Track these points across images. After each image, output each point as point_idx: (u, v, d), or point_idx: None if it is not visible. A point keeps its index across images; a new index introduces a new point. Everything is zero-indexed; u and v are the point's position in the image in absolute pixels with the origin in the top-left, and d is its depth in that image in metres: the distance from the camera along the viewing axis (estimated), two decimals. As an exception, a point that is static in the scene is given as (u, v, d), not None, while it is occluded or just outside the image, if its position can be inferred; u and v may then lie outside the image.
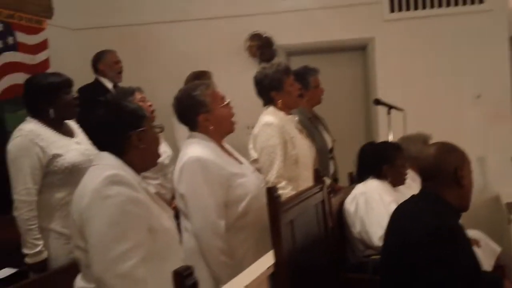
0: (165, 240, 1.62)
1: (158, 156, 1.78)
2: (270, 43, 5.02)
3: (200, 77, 4.04)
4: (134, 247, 1.49)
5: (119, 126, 1.64)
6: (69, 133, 2.50)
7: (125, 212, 1.50)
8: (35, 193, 2.38)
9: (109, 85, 4.13)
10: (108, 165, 1.60)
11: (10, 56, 4.13)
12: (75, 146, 2.44)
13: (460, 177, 1.86)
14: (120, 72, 4.22)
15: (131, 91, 3.18)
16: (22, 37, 4.25)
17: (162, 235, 1.61)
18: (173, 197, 3.38)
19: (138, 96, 3.20)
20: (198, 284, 1.26)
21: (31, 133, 2.38)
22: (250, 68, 5.03)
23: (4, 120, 3.81)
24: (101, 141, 1.69)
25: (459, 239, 1.77)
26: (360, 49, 5.12)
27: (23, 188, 2.35)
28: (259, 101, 4.81)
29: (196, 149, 2.15)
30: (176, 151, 3.68)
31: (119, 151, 1.64)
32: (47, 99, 2.42)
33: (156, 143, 1.76)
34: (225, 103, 2.25)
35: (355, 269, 2.67)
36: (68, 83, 2.50)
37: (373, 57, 4.95)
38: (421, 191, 1.96)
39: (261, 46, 5.03)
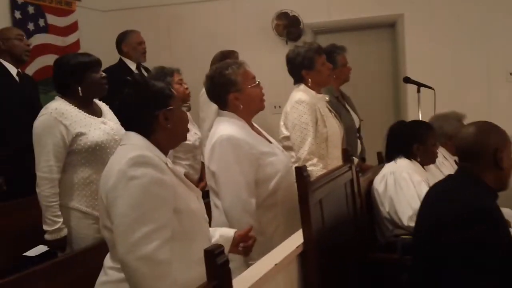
0: (192, 221, 1.61)
1: (185, 135, 1.77)
2: (297, 21, 4.97)
3: (227, 56, 4.03)
4: (157, 228, 1.47)
5: (146, 105, 1.62)
6: (96, 113, 2.52)
7: (149, 194, 1.49)
8: (57, 171, 2.40)
9: (132, 66, 4.14)
10: (134, 145, 1.59)
11: (42, 38, 4.21)
12: (100, 126, 2.46)
13: (499, 159, 1.80)
14: (144, 53, 4.23)
15: (170, 72, 3.22)
16: (52, 19, 4.32)
17: (188, 216, 1.59)
18: (200, 178, 3.44)
19: (176, 77, 3.24)
20: (229, 262, 1.27)
21: (56, 111, 2.41)
22: (277, 48, 5.02)
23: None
24: (128, 121, 1.68)
25: (496, 220, 1.72)
26: (388, 26, 5.02)
27: (46, 165, 2.38)
28: (285, 81, 4.78)
29: (227, 127, 2.16)
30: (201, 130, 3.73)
31: (146, 130, 1.63)
32: (76, 77, 2.44)
33: (184, 123, 1.73)
34: (256, 83, 2.25)
35: (383, 249, 2.65)
36: (96, 62, 2.53)
37: (402, 34, 4.85)
38: (459, 171, 1.91)
39: (288, 25, 4.98)
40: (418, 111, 3.86)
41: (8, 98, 3.25)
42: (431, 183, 2.48)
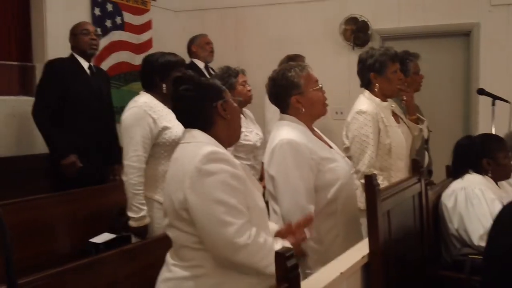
0: (259, 218, 1.60)
1: (240, 131, 1.76)
2: (366, 27, 4.88)
3: (293, 60, 4.02)
4: (248, 220, 1.50)
5: (205, 97, 1.64)
6: None
7: (230, 188, 1.49)
8: (144, 161, 2.53)
9: (200, 65, 4.30)
10: (202, 142, 1.58)
11: (118, 35, 4.39)
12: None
13: None
14: (211, 52, 4.42)
15: (235, 73, 3.25)
16: (129, 18, 4.50)
17: (256, 214, 1.58)
18: (260, 179, 3.44)
19: (240, 79, 3.26)
20: (298, 266, 1.26)
21: (145, 104, 2.55)
22: (343, 53, 4.97)
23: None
24: (188, 115, 1.67)
25: None
26: (463, 35, 4.83)
27: (134, 155, 2.50)
28: (349, 86, 4.73)
29: (288, 131, 2.11)
30: (265, 131, 3.74)
31: (206, 124, 1.63)
32: (162, 75, 2.59)
33: (238, 115, 1.74)
34: (318, 86, 2.19)
35: (449, 267, 2.54)
36: (181, 62, 2.70)
37: (477, 44, 4.65)
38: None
39: (356, 30, 4.91)
40: (492, 125, 3.68)
41: (80, 91, 3.42)
42: (505, 201, 2.35)
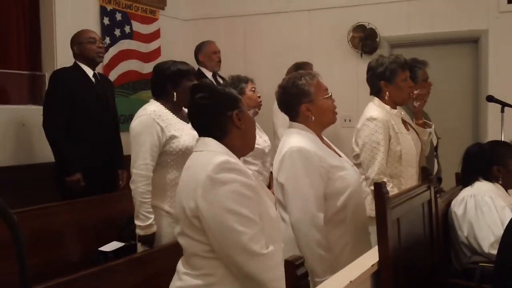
0: (271, 228, 1.59)
1: (254, 141, 1.75)
2: (374, 34, 4.89)
3: (301, 68, 4.03)
4: (260, 230, 1.49)
5: (220, 106, 1.63)
6: (185, 119, 2.60)
7: (242, 197, 1.49)
8: (152, 169, 2.53)
9: (208, 74, 4.30)
10: (215, 151, 1.58)
11: (126, 44, 4.43)
12: (190, 131, 2.52)
13: None
14: (218, 61, 4.39)
15: (246, 80, 3.31)
16: (137, 27, 4.53)
17: (268, 224, 1.57)
18: (268, 186, 3.44)
19: (250, 85, 3.32)
20: (308, 274, 1.25)
21: (154, 113, 2.55)
22: (351, 60, 4.98)
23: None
24: (203, 124, 1.67)
25: None
26: (471, 42, 4.82)
27: (143, 163, 2.50)
28: (357, 94, 4.74)
29: (298, 139, 2.11)
30: (273, 138, 3.74)
31: (221, 133, 1.62)
32: (173, 83, 2.60)
33: (253, 125, 1.73)
34: (328, 95, 2.20)
35: (459, 275, 2.52)
36: (192, 71, 2.70)
37: (486, 50, 4.64)
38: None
39: (364, 38, 4.91)
40: (501, 132, 3.66)
41: (86, 99, 3.40)
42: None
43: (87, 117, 3.38)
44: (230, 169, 1.51)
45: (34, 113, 3.66)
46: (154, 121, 2.53)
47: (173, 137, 2.53)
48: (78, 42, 3.46)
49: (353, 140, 2.77)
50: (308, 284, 1.25)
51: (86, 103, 3.39)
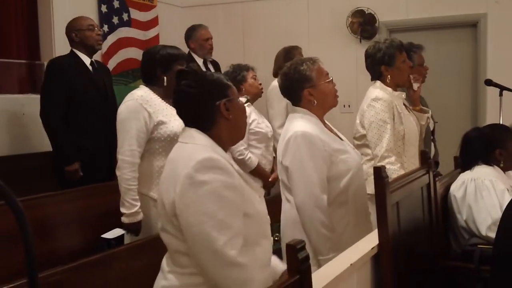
0: (258, 225, 1.53)
1: (245, 130, 1.70)
2: (373, 19, 4.87)
3: (290, 52, 4.08)
4: (237, 234, 1.41)
5: (207, 95, 1.54)
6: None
7: (222, 199, 1.41)
8: (139, 156, 2.47)
9: (199, 61, 4.20)
10: (199, 145, 1.50)
11: (125, 32, 4.41)
12: (178, 117, 2.52)
13: None
14: (210, 49, 4.24)
15: (247, 68, 3.35)
16: (135, 14, 4.51)
17: (256, 220, 1.51)
18: (272, 170, 3.48)
19: (251, 73, 3.37)
20: (309, 258, 1.27)
21: (141, 98, 2.49)
22: (350, 45, 4.96)
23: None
24: (188, 113, 1.58)
25: None
26: (470, 26, 4.80)
27: (128, 149, 2.45)
28: (356, 79, 4.74)
29: (302, 123, 2.17)
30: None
31: (207, 123, 1.54)
32: (163, 67, 2.53)
33: (244, 114, 1.64)
34: (329, 79, 2.25)
35: (458, 258, 2.55)
36: (183, 56, 2.63)
37: (484, 34, 4.63)
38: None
39: (363, 23, 4.89)
40: (500, 115, 3.67)
41: (85, 87, 3.37)
42: (514, 192, 2.35)
43: (85, 105, 3.35)
44: (211, 167, 1.43)
45: (34, 102, 3.66)
46: (142, 106, 2.46)
47: (161, 122, 2.47)
48: (77, 29, 3.40)
49: (357, 121, 2.82)
50: (309, 267, 1.26)
51: (84, 92, 3.35)
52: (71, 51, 3.43)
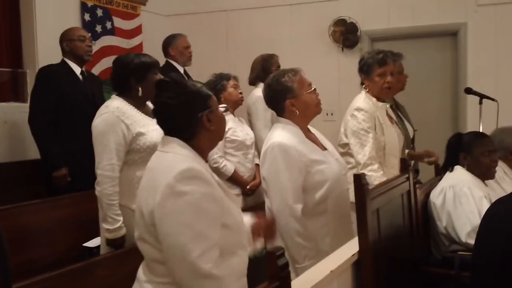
0: (236, 235, 1.54)
1: (223, 136, 1.73)
2: (355, 28, 4.93)
3: (267, 60, 4.13)
4: (212, 246, 1.40)
5: (188, 107, 1.53)
6: (149, 114, 2.49)
7: (201, 211, 1.41)
8: (118, 170, 2.39)
9: (180, 69, 4.19)
10: (180, 155, 1.50)
11: (108, 40, 4.40)
12: (155, 127, 2.44)
13: None
14: (190, 57, 4.25)
15: (228, 77, 3.37)
16: (119, 22, 4.51)
17: (234, 231, 1.52)
18: (254, 177, 3.48)
19: (232, 82, 3.39)
20: (289, 265, 1.29)
21: (117, 110, 2.41)
22: (332, 54, 5.02)
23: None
24: (169, 124, 1.57)
25: None
26: (450, 35, 4.89)
27: (108, 163, 2.37)
28: (338, 88, 4.79)
29: (280, 134, 2.22)
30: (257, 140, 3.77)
31: (189, 134, 1.54)
32: (137, 77, 2.46)
33: (223, 123, 1.65)
34: (312, 89, 2.29)
35: (439, 264, 2.58)
36: (157, 64, 2.57)
37: (464, 43, 4.72)
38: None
39: (345, 32, 4.95)
40: (479, 123, 3.74)
41: (74, 96, 3.41)
42: (493, 199, 2.39)
43: (74, 113, 3.37)
44: (192, 177, 1.43)
45: (16, 110, 3.64)
46: (119, 119, 2.39)
47: (139, 134, 2.41)
48: (68, 39, 3.49)
49: (341, 130, 2.89)
50: (288, 274, 1.28)
51: (73, 100, 3.39)
52: (62, 59, 3.51)
